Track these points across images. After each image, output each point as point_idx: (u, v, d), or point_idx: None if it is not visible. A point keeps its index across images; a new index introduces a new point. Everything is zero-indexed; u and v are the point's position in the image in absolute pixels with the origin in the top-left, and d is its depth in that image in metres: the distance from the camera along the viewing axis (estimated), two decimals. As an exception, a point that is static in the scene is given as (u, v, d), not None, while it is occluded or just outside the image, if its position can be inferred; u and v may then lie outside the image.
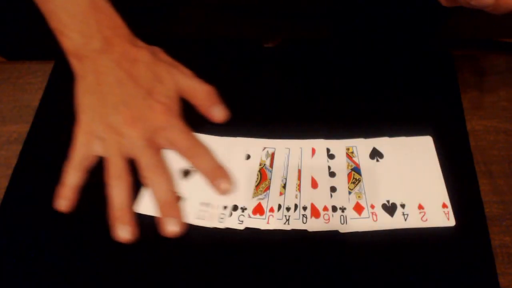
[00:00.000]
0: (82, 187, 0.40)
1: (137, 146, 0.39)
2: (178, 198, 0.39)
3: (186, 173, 0.41)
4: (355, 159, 0.41)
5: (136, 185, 0.40)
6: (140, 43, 0.44)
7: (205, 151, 0.41)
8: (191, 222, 0.38)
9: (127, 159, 0.40)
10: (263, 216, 0.38)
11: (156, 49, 0.45)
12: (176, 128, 0.41)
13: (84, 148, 0.40)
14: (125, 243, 0.37)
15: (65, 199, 0.39)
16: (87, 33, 0.41)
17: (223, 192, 0.39)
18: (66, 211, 0.39)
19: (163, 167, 0.40)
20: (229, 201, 0.39)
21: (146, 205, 0.39)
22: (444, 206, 0.38)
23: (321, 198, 0.39)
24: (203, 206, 0.39)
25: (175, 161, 0.41)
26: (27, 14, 0.44)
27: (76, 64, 0.42)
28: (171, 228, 0.37)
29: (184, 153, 0.41)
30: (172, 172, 0.41)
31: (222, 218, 0.38)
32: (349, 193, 0.39)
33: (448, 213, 0.38)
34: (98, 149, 0.40)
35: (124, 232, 0.37)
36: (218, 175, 0.40)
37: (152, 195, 0.39)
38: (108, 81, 0.41)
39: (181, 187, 0.40)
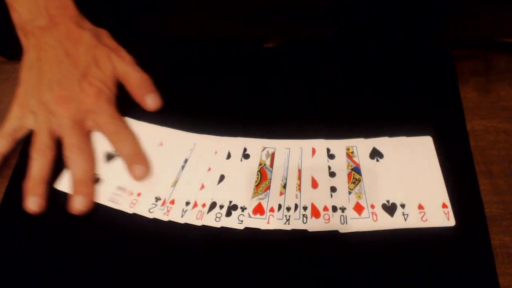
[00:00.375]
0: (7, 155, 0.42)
1: (64, 126, 0.41)
2: (93, 179, 0.40)
3: (109, 156, 0.42)
4: (355, 159, 0.41)
5: (62, 164, 0.41)
6: (87, 25, 0.45)
7: (129, 137, 0.42)
8: (103, 203, 0.40)
9: (53, 136, 0.41)
10: (263, 216, 0.38)
11: (102, 32, 0.46)
12: (104, 112, 0.42)
13: (16, 121, 0.42)
14: (33, 214, 0.39)
15: None
16: (34, 10, 0.43)
17: (137, 178, 0.40)
18: None
19: (85, 149, 0.41)
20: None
21: (66, 183, 0.40)
22: (444, 206, 0.38)
23: (321, 198, 0.39)
24: (119, 190, 0.40)
25: (103, 144, 0.42)
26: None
27: (22, 39, 0.44)
28: (76, 205, 0.39)
29: (108, 136, 0.42)
30: (96, 154, 0.42)
31: (133, 204, 0.39)
32: (349, 193, 0.39)
33: (448, 213, 0.38)
34: (30, 123, 0.42)
35: (31, 203, 0.39)
36: (135, 161, 0.41)
37: (69, 174, 0.40)
38: (48, 58, 0.43)
39: (103, 169, 0.41)
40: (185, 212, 0.39)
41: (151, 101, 0.44)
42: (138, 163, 0.41)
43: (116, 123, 0.42)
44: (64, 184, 0.41)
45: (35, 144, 0.41)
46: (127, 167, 0.41)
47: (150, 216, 0.39)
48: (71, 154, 0.40)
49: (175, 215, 0.39)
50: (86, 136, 0.42)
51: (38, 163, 0.40)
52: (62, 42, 0.43)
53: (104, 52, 0.44)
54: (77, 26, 0.44)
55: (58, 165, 0.42)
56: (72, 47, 0.43)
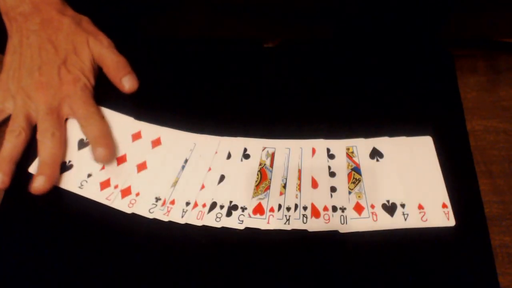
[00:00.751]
0: None
1: (40, 111, 0.42)
2: (59, 164, 0.41)
3: (82, 144, 0.43)
4: (355, 159, 0.41)
5: (31, 148, 0.42)
6: (69, 12, 0.46)
7: (98, 122, 0.43)
8: (71, 190, 0.41)
9: (29, 120, 0.42)
10: (263, 216, 0.38)
11: (83, 19, 0.47)
12: (79, 98, 0.43)
13: None
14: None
15: None
16: None
17: (98, 159, 0.41)
18: None
19: (56, 134, 0.42)
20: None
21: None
22: (444, 206, 0.38)
23: (321, 198, 0.39)
24: (88, 177, 0.41)
25: (78, 131, 0.43)
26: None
27: (7, 25, 0.45)
28: (36, 184, 0.39)
29: (79, 121, 0.43)
30: (70, 142, 0.43)
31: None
32: (349, 193, 0.39)
33: (448, 213, 0.38)
34: (9, 107, 0.43)
35: None
36: (98, 143, 0.41)
37: (38, 154, 0.41)
38: (29, 44, 0.44)
39: (75, 157, 0.42)
40: (185, 212, 0.39)
41: (127, 82, 0.45)
42: (101, 145, 0.41)
43: (88, 108, 0.43)
44: (35, 168, 0.42)
45: (10, 125, 0.42)
46: (91, 149, 0.42)
47: (150, 216, 0.39)
48: (43, 138, 0.41)
49: (175, 215, 0.39)
50: (60, 122, 0.43)
51: (10, 144, 0.41)
52: (43, 28, 0.44)
53: (83, 38, 0.45)
54: (59, 12, 0.45)
55: (31, 150, 0.42)
56: (53, 34, 0.44)
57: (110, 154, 0.41)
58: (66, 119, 0.44)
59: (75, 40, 0.45)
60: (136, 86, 0.45)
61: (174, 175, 0.41)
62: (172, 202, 0.39)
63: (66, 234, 0.39)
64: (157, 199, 0.40)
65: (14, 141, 0.41)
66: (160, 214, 0.39)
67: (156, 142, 0.43)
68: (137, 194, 0.40)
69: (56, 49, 0.44)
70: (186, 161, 0.42)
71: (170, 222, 0.39)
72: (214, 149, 0.42)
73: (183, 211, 0.39)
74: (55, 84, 0.43)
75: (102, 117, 0.43)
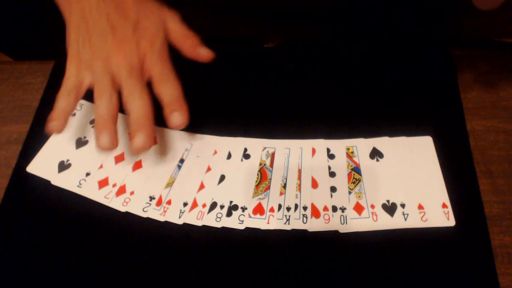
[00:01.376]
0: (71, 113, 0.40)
1: (123, 71, 0.40)
2: (153, 121, 0.39)
3: (80, 143, 0.43)
4: (355, 159, 0.41)
5: (31, 148, 0.43)
6: None
7: (174, 81, 0.40)
8: (70, 189, 0.41)
9: (114, 82, 0.40)
10: (263, 216, 0.38)
11: None
12: (156, 55, 0.41)
13: (74, 78, 0.41)
14: (104, 150, 0.39)
15: (55, 120, 0.39)
16: None
17: (175, 126, 0.39)
18: (56, 132, 0.39)
19: (144, 92, 0.39)
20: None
21: (38, 167, 0.42)
22: (444, 206, 0.38)
23: (321, 198, 0.39)
24: (86, 176, 0.41)
25: (74, 130, 0.44)
26: (33, 15, 0.44)
27: (63, 5, 0.43)
28: (136, 142, 0.37)
29: (154, 78, 0.40)
30: (67, 141, 0.43)
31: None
32: (349, 193, 0.39)
33: (448, 213, 0.38)
34: (87, 77, 0.41)
35: (104, 139, 0.38)
36: (173, 109, 0.39)
37: (129, 115, 0.39)
38: (95, 15, 0.41)
39: (73, 155, 0.42)
40: (182, 213, 0.39)
41: (204, 51, 0.43)
42: (177, 109, 0.39)
43: (164, 65, 0.41)
44: (35, 167, 0.41)
45: (96, 92, 0.39)
46: (165, 115, 0.39)
47: (144, 215, 0.39)
48: (132, 98, 0.39)
49: (173, 216, 0.39)
50: (144, 81, 0.40)
51: (105, 108, 0.39)
52: (106, 1, 0.42)
53: (151, 5, 0.43)
54: None
55: (31, 150, 0.43)
56: (119, 3, 0.42)
57: (186, 120, 0.39)
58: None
59: (144, 7, 0.42)
60: (212, 54, 0.43)
61: (168, 174, 0.41)
62: (169, 202, 0.39)
63: (66, 234, 0.39)
64: (151, 198, 0.40)
65: (107, 105, 0.39)
66: (154, 213, 0.39)
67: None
68: (132, 193, 0.40)
69: (125, 15, 0.41)
70: (182, 161, 0.42)
71: (170, 222, 0.39)
72: (211, 148, 0.42)
73: (180, 212, 0.39)
74: (132, 42, 0.40)
75: (176, 77, 0.40)
